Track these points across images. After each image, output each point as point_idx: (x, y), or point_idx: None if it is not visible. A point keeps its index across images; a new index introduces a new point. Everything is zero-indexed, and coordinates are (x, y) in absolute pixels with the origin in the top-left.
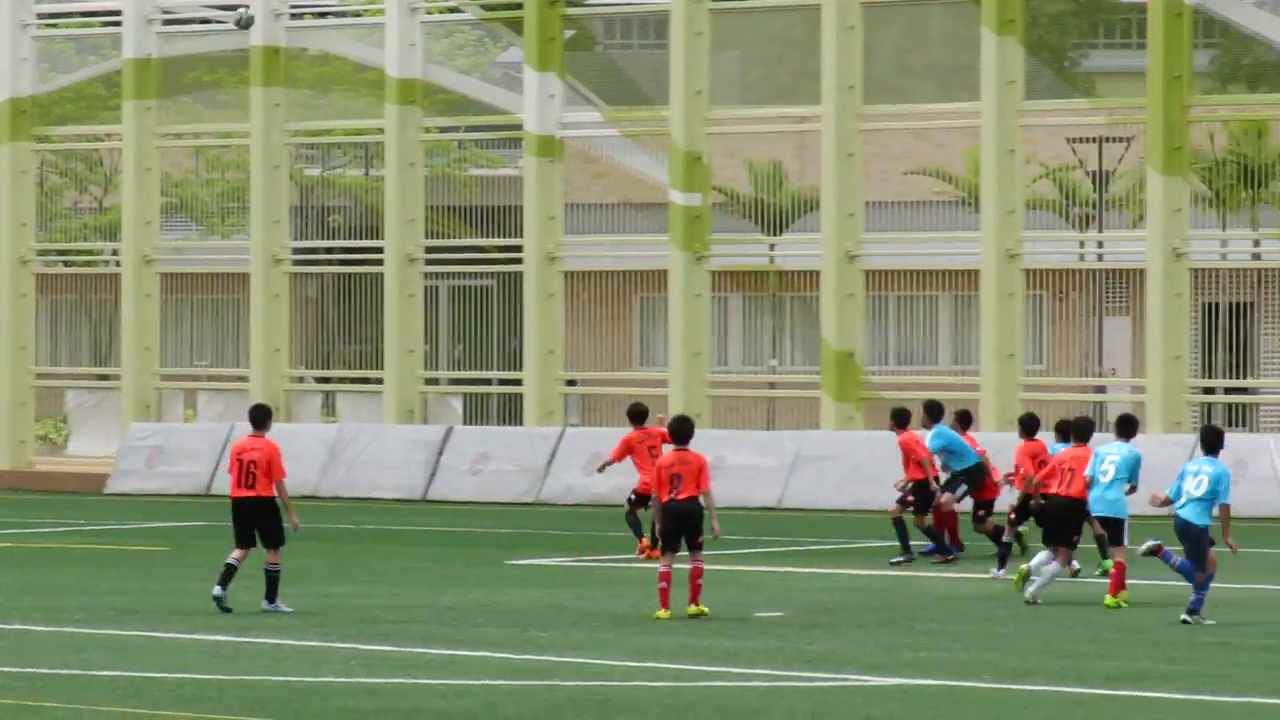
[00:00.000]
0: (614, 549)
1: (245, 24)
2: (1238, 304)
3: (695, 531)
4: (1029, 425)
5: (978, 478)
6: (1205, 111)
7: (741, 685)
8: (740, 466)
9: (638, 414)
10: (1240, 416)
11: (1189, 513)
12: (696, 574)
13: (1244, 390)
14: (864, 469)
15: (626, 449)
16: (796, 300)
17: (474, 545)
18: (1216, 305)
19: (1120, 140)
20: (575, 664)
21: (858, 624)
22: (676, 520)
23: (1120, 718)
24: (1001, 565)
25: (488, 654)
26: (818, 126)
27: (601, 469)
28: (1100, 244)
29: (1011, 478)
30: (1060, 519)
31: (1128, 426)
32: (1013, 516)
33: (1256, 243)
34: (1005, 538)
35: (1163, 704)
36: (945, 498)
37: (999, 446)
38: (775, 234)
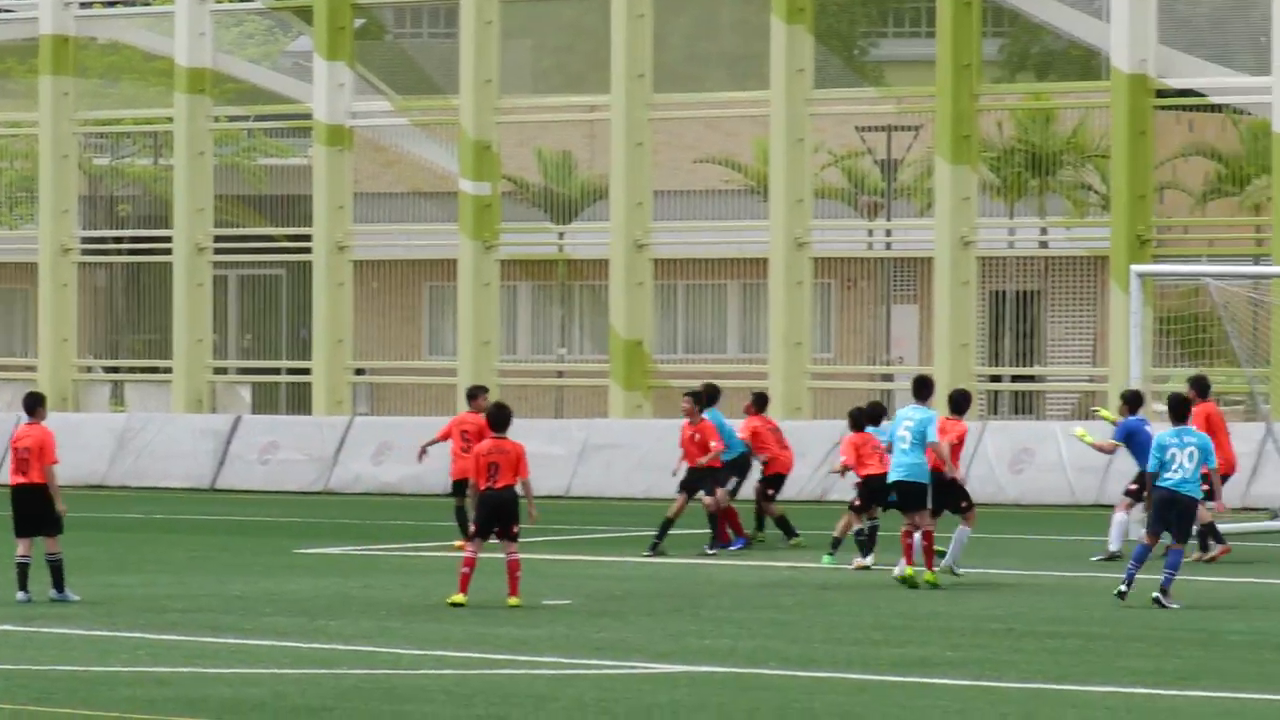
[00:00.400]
0: (402, 538)
1: None
2: (1025, 292)
3: (511, 520)
4: (858, 418)
5: (745, 466)
6: (993, 100)
7: (529, 673)
8: (529, 454)
9: (473, 395)
10: (1027, 404)
11: (1182, 484)
12: (514, 566)
13: (1030, 378)
14: (652, 457)
15: (452, 431)
16: (585, 289)
17: (262, 534)
18: (1004, 293)
19: (909, 129)
20: (363, 652)
21: (645, 612)
22: (492, 509)
23: (905, 703)
24: (866, 553)
25: (275, 643)
26: (607, 115)
27: (423, 452)
28: (888, 232)
29: (841, 468)
30: (941, 493)
31: (924, 388)
32: (857, 502)
33: (1044, 231)
34: (857, 526)
35: (948, 690)
36: (719, 493)
37: (790, 433)
38: (564, 223)
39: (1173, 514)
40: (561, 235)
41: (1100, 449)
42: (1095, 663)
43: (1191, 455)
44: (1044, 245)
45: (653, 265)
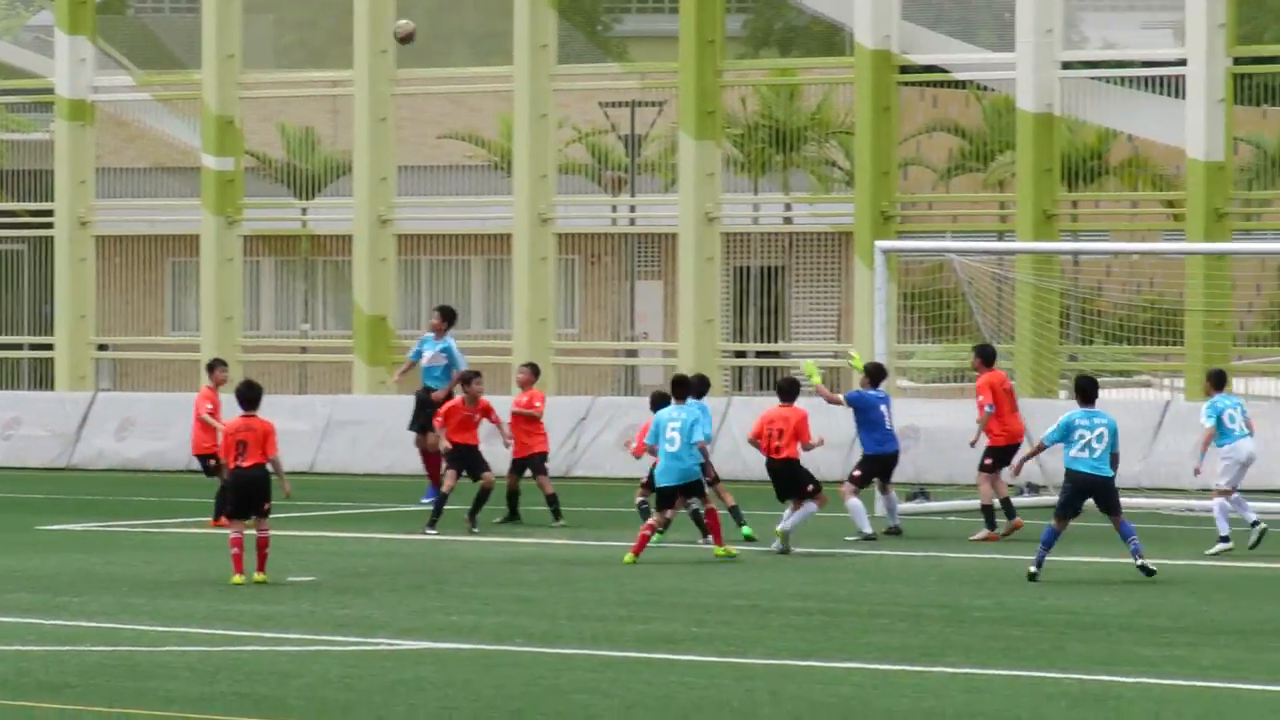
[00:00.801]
0: (144, 514)
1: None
2: (769, 268)
3: (263, 498)
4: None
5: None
6: (737, 76)
7: (273, 650)
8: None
9: (211, 369)
10: (772, 380)
11: (1099, 465)
12: (263, 543)
13: (775, 353)
14: (396, 433)
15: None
16: (329, 264)
17: (4, 510)
18: (748, 269)
19: (653, 104)
20: (106, 629)
21: (390, 588)
22: (243, 488)
23: (652, 680)
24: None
25: (19, 619)
26: (350, 91)
27: None
28: (633, 208)
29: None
30: (782, 479)
31: (682, 388)
32: (645, 482)
33: (788, 207)
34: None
35: (694, 666)
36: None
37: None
38: (308, 198)
39: (1094, 498)
40: (305, 211)
41: (824, 395)
42: (841, 639)
43: (1101, 436)
44: (788, 221)
45: (396, 241)
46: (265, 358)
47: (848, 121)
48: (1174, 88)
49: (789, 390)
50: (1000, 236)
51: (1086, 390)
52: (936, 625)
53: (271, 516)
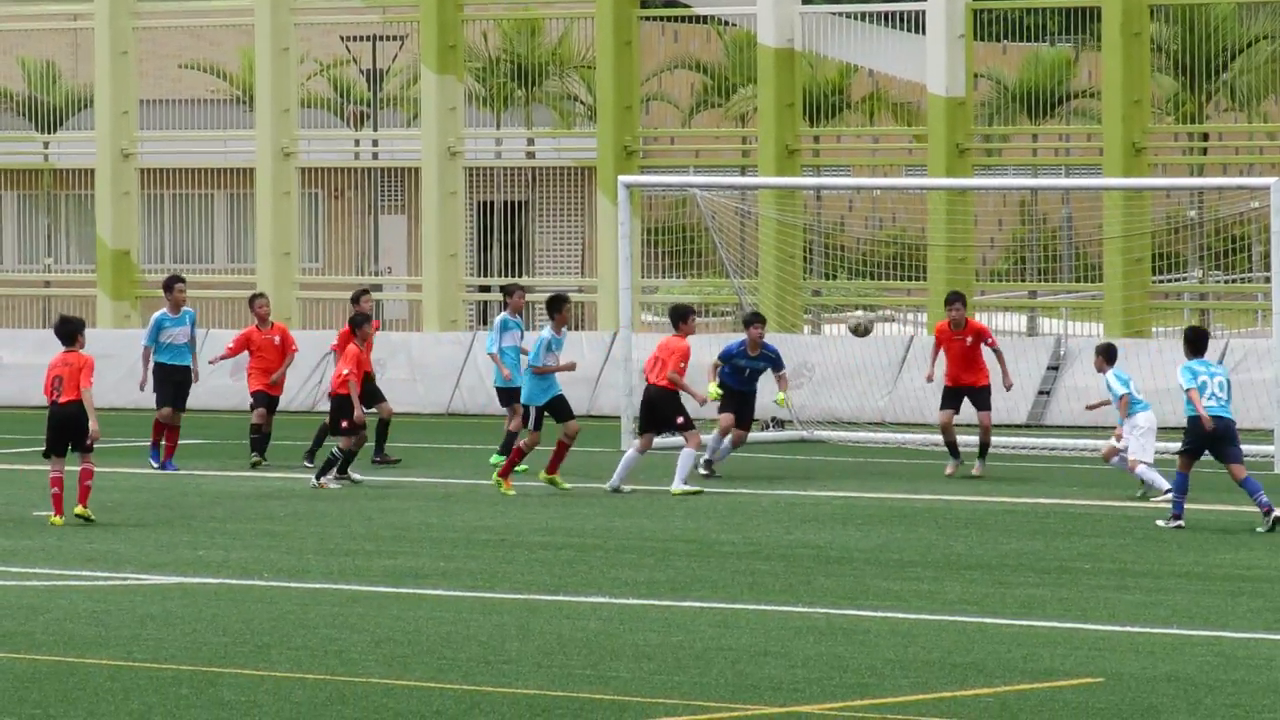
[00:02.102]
0: None
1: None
2: (513, 202)
3: (82, 434)
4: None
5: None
6: (478, 10)
7: (20, 584)
8: (19, 366)
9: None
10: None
11: (1225, 409)
12: (85, 475)
13: (521, 288)
14: (140, 368)
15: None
16: (72, 198)
17: None
18: (492, 203)
19: (394, 39)
20: None
21: (137, 523)
22: (59, 425)
23: (400, 614)
24: (325, 473)
25: None
26: (91, 24)
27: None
28: (375, 142)
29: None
30: (650, 406)
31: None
32: (343, 424)
33: (531, 141)
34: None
35: (443, 600)
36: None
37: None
38: (49, 132)
39: (1212, 438)
40: (46, 145)
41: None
42: (589, 573)
43: (1222, 385)
44: (531, 156)
45: (139, 175)
46: (8, 292)
47: (589, 56)
48: (915, 23)
49: (679, 315)
50: (743, 171)
51: (1197, 341)
52: (684, 560)
53: (15, 451)
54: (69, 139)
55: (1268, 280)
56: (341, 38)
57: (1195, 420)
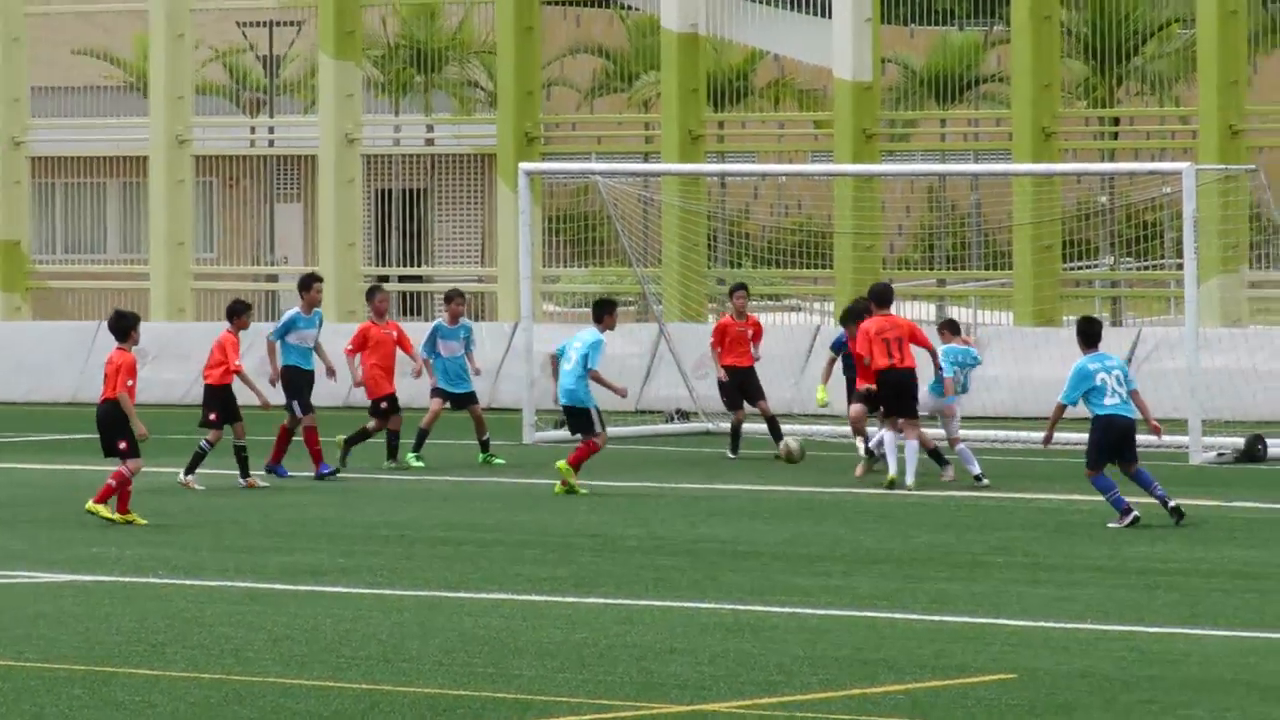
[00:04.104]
0: None
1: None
2: (412, 190)
3: (118, 435)
4: None
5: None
6: None
7: None
8: None
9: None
10: (415, 305)
11: (1124, 408)
12: (118, 478)
13: (419, 278)
14: (32, 360)
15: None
16: None
17: None
18: (390, 191)
19: (291, 24)
20: None
21: (29, 519)
22: (97, 424)
23: (298, 611)
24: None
25: None
26: None
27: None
28: (272, 130)
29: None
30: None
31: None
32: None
33: (430, 128)
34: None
35: (341, 598)
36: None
37: (171, 337)
38: None
39: (1119, 440)
40: None
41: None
42: (490, 570)
43: (1120, 379)
44: (430, 143)
45: (30, 163)
46: None
47: (489, 42)
48: (821, 7)
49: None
50: (646, 158)
51: (1090, 334)
52: (587, 555)
53: None
54: None
55: (1180, 267)
56: (238, 23)
57: (1106, 421)
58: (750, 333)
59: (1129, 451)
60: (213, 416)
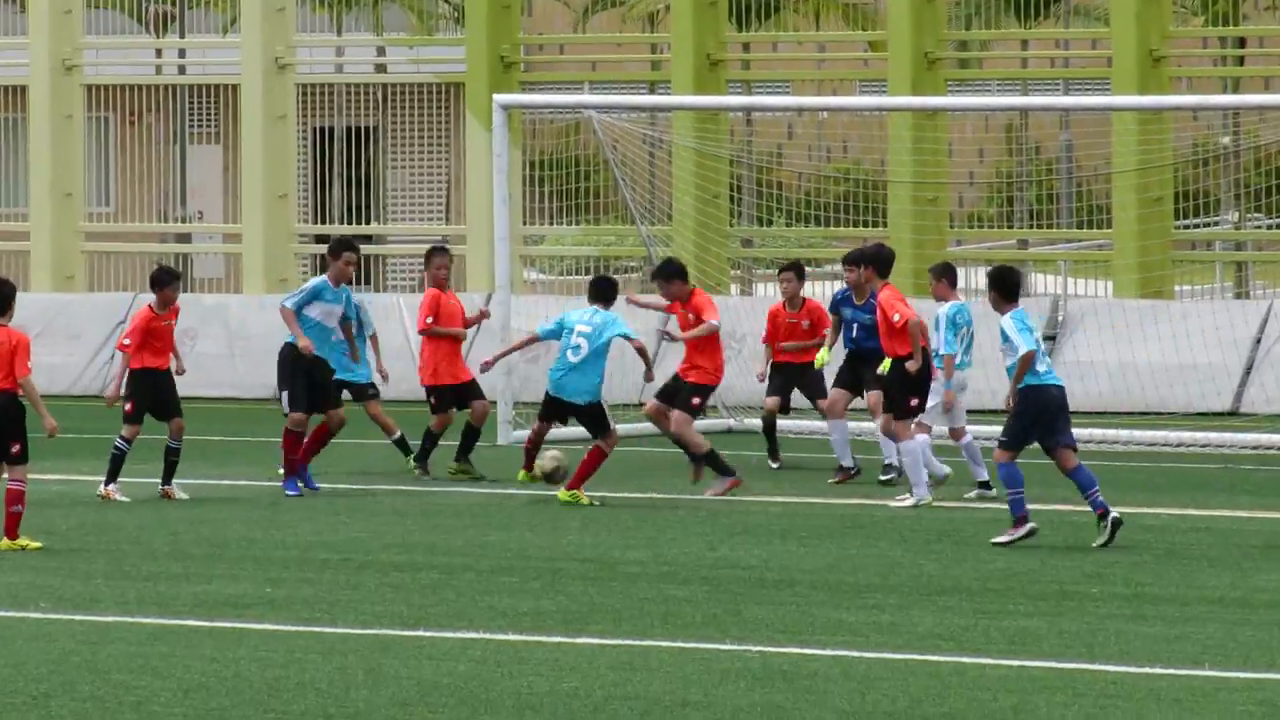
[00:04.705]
0: None
1: None
2: (358, 128)
3: (13, 435)
4: None
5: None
6: None
7: None
8: None
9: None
10: (363, 272)
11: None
12: (14, 497)
13: (367, 238)
14: None
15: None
16: None
17: None
18: (331, 130)
19: None
20: None
21: None
22: None
23: (215, 655)
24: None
25: None
26: None
27: None
28: (182, 53)
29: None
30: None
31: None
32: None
33: (381, 51)
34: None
35: (268, 636)
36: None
37: (57, 311)
38: None
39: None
40: None
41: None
42: (457, 602)
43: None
44: (381, 70)
45: None
46: None
47: None
48: None
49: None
50: (652, 89)
51: (1006, 283)
52: (579, 584)
53: None
54: None
55: None
56: None
57: (1035, 392)
58: (808, 323)
59: (1067, 432)
60: (128, 408)
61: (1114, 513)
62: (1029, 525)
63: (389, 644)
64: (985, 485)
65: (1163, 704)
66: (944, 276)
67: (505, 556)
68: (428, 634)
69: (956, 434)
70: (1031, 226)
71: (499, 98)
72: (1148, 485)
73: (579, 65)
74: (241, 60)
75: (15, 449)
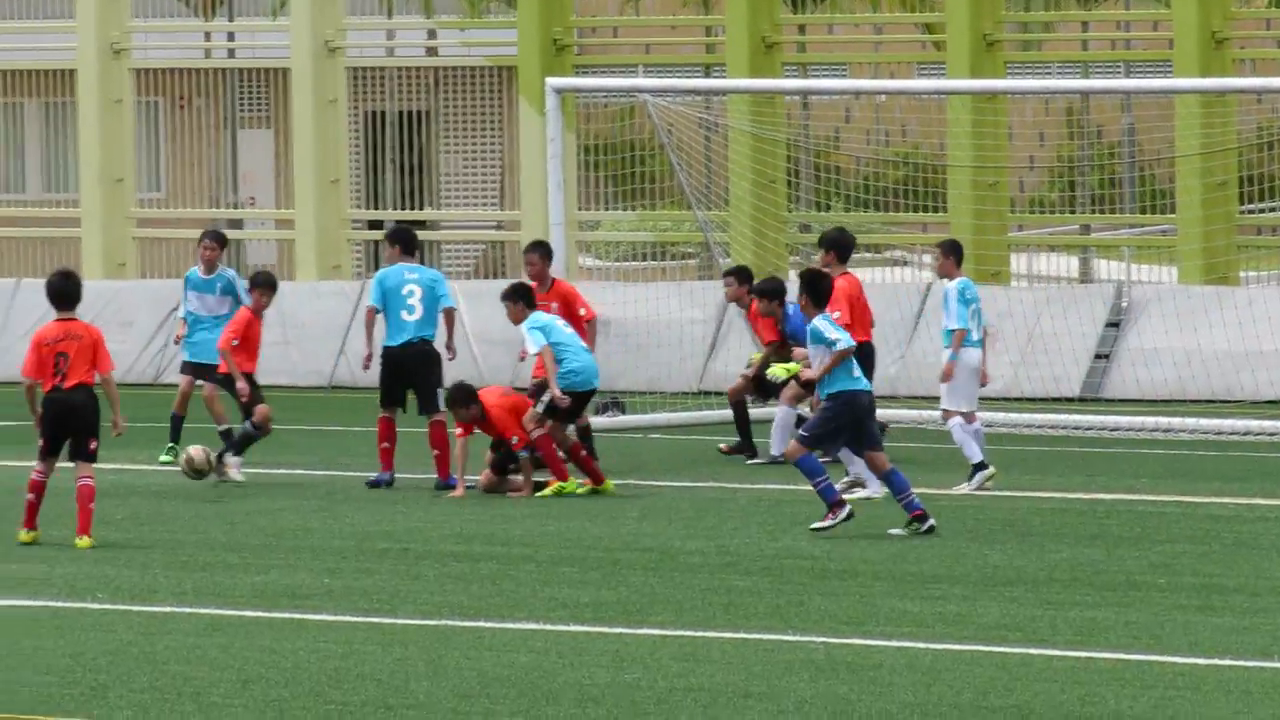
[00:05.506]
0: None
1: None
2: (410, 112)
3: (89, 432)
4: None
5: None
6: None
7: None
8: None
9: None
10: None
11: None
12: (88, 495)
13: (421, 224)
14: None
15: None
16: None
17: None
18: (383, 114)
19: None
20: None
21: None
22: (63, 416)
23: (274, 646)
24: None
25: None
26: None
27: None
28: (231, 36)
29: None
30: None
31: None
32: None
33: (432, 34)
34: None
35: (328, 627)
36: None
37: (108, 300)
38: None
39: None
40: None
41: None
42: (517, 593)
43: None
44: (433, 53)
45: None
46: None
47: None
48: None
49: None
50: (707, 71)
51: (817, 288)
52: (640, 575)
53: None
54: None
55: None
56: None
57: (849, 396)
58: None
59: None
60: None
61: (931, 521)
62: (847, 509)
63: (449, 635)
64: (986, 469)
65: (1231, 695)
66: (951, 254)
67: (564, 546)
68: (487, 625)
69: (969, 417)
70: (1094, 212)
71: (551, 81)
72: (1215, 474)
73: (633, 48)
74: (291, 43)
75: (93, 446)
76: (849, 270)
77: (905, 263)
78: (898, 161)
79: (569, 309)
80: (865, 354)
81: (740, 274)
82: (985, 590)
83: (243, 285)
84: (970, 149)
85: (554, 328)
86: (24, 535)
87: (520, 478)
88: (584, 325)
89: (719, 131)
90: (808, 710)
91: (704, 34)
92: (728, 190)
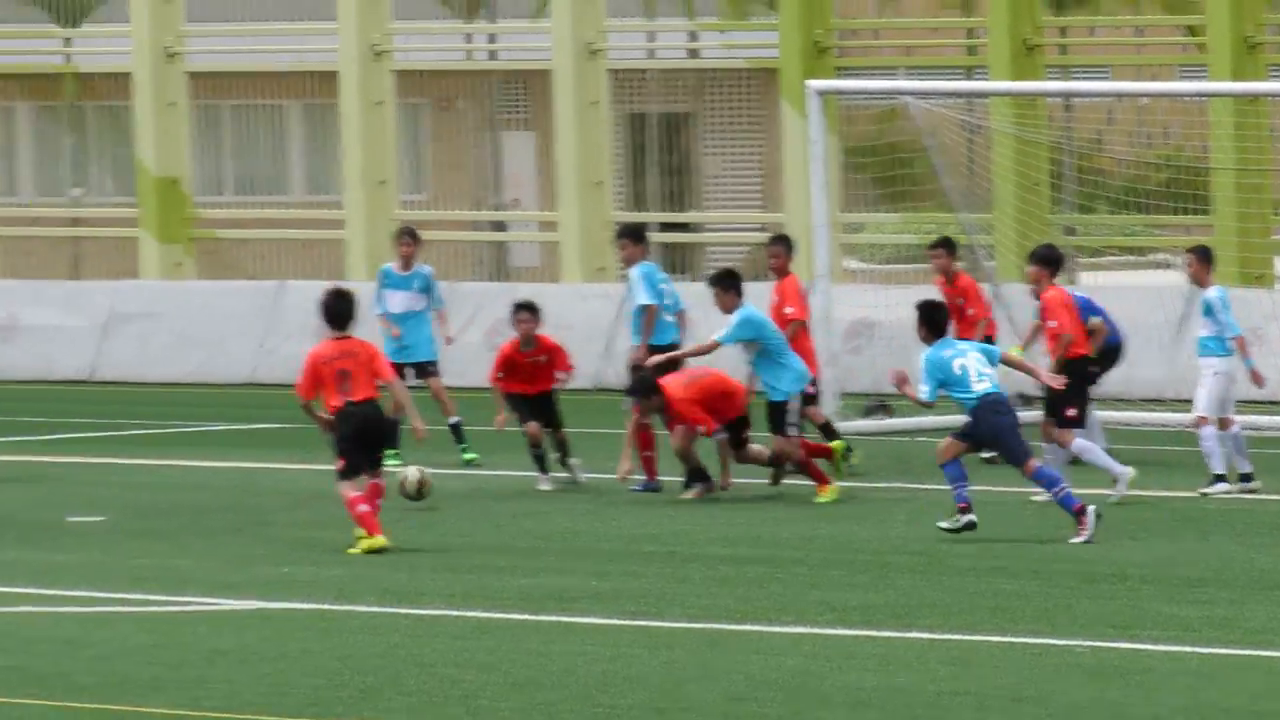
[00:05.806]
0: None
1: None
2: (673, 115)
3: (387, 444)
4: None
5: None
6: None
7: (55, 611)
8: (39, 328)
9: None
10: (682, 260)
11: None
12: (376, 492)
13: (683, 226)
14: (198, 329)
15: None
16: (103, 111)
17: None
18: (645, 117)
19: None
20: None
21: (200, 531)
22: (364, 431)
23: (542, 648)
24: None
25: None
26: None
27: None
28: (493, 38)
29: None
30: None
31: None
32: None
33: (693, 36)
34: None
35: (596, 630)
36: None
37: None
38: (72, 25)
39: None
40: (68, 42)
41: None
42: (784, 595)
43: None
44: (695, 55)
45: (189, 81)
46: (26, 232)
47: None
48: None
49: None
50: (969, 74)
51: (934, 320)
52: (908, 577)
53: (39, 439)
54: (96, 34)
55: None
56: None
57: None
58: (962, 301)
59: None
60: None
61: (971, 516)
62: (970, 515)
63: (717, 638)
64: (1247, 478)
65: None
66: (1206, 260)
67: (832, 549)
68: (756, 628)
69: (1223, 423)
70: None
71: (813, 83)
72: None
73: (893, 50)
74: (553, 45)
75: (379, 456)
76: (1056, 283)
77: (1169, 265)
78: (1161, 164)
79: (780, 304)
80: (1088, 364)
81: (947, 245)
82: (1253, 594)
83: (438, 283)
84: (1233, 151)
85: (767, 324)
86: (373, 542)
87: (760, 447)
88: (787, 322)
89: (981, 134)
90: (1080, 715)
91: (965, 36)
92: (991, 193)
